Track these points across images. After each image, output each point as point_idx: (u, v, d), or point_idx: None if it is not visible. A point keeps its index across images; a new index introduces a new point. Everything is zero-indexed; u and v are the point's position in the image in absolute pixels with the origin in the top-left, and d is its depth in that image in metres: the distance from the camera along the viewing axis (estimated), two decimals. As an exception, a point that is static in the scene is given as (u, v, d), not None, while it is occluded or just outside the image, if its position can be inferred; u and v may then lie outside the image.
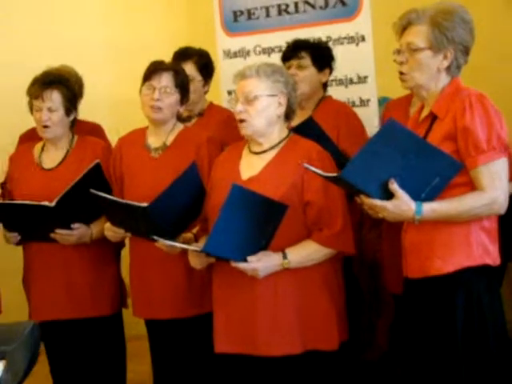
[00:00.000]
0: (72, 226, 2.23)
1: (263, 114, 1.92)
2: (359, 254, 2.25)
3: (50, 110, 2.27)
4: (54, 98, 2.29)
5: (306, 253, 1.90)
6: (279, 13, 3.08)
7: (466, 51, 1.77)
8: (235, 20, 3.18)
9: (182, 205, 2.01)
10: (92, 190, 2.04)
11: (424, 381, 1.78)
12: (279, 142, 1.97)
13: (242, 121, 1.93)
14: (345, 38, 2.94)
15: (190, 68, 2.61)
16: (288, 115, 2.01)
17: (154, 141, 2.30)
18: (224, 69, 3.11)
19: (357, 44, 2.92)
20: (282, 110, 1.96)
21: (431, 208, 1.66)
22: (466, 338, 1.69)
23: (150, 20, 3.80)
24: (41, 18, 3.67)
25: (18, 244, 2.40)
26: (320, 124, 2.22)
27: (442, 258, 1.72)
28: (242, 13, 3.15)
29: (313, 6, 3.01)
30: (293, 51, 2.55)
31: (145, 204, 1.90)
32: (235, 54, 3.17)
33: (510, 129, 1.73)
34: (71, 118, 2.38)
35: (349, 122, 2.49)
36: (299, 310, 1.91)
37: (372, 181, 1.65)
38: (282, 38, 2.94)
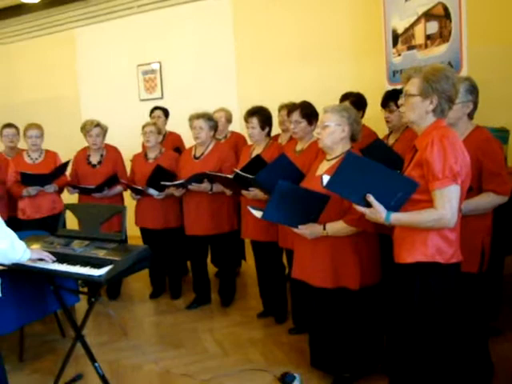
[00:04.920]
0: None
1: (330, 136, 2.82)
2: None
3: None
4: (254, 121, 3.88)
5: (338, 228, 2.74)
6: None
7: (449, 99, 2.19)
8: (394, 76, 4.22)
9: None
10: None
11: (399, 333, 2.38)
12: (340, 155, 2.81)
13: (318, 139, 2.95)
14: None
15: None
16: (353, 137, 2.87)
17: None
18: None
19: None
20: (344, 134, 2.81)
21: (396, 217, 2.18)
22: (420, 311, 2.20)
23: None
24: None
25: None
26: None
27: (407, 251, 2.23)
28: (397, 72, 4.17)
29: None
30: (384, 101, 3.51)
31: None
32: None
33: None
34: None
35: None
36: (332, 259, 2.81)
37: (354, 193, 2.21)
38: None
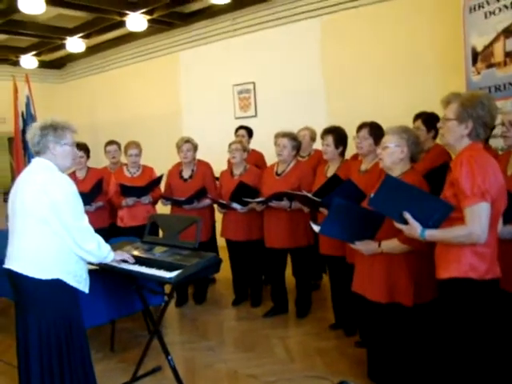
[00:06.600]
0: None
1: (390, 157, 2.96)
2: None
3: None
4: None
5: (392, 246, 2.86)
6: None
7: (484, 125, 2.32)
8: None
9: None
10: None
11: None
12: (399, 175, 2.92)
13: (380, 159, 3.09)
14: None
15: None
16: (412, 158, 2.99)
17: None
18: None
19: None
20: (403, 155, 2.93)
21: (431, 233, 2.34)
22: (456, 327, 2.31)
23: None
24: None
25: None
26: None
27: (443, 267, 2.38)
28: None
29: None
30: None
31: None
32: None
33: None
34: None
35: None
36: (387, 275, 2.94)
37: (394, 211, 2.41)
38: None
